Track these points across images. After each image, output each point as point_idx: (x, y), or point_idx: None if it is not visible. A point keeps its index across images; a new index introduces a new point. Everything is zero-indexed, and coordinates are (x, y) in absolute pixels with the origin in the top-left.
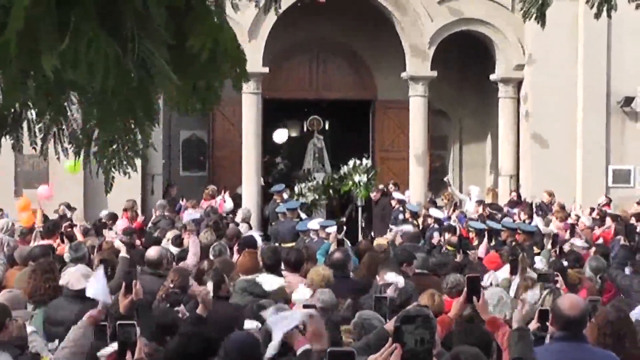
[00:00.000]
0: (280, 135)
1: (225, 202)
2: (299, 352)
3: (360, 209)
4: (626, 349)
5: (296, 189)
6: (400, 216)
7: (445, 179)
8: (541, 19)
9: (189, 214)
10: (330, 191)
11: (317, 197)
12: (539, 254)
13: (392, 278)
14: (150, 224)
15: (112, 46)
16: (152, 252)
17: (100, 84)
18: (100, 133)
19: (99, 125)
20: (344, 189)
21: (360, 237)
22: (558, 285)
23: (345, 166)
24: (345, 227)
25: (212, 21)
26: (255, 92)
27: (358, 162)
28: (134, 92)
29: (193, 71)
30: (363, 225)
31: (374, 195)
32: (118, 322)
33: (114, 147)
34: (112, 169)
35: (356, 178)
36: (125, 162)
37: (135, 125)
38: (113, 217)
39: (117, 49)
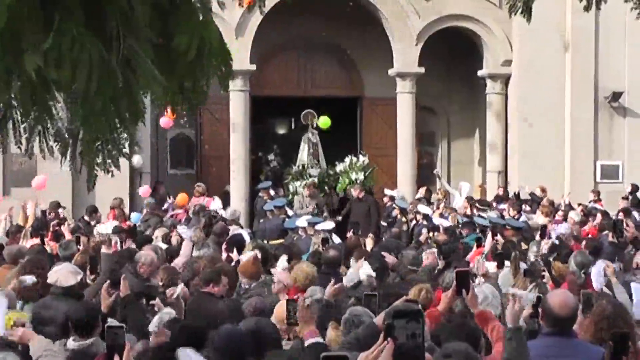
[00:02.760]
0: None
1: (213, 200)
2: (307, 343)
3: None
4: None
5: (291, 187)
6: (394, 212)
7: (435, 172)
8: (527, 13)
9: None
10: (326, 188)
11: None
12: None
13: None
14: (139, 222)
15: (97, 45)
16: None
17: (84, 84)
18: (84, 132)
19: (83, 124)
20: (340, 187)
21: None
22: (545, 280)
23: (341, 163)
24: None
25: (198, 19)
26: (243, 90)
27: (354, 159)
28: (119, 91)
29: (179, 70)
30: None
31: (356, 192)
32: (107, 325)
33: (98, 145)
34: (96, 167)
35: (352, 176)
36: (109, 161)
37: (120, 124)
38: (94, 210)
39: (102, 48)
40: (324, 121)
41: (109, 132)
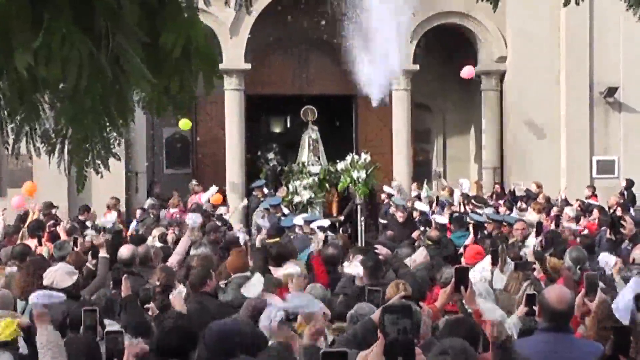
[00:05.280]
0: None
1: (204, 193)
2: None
3: (359, 208)
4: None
5: (290, 186)
6: (391, 209)
7: (436, 171)
8: (494, 0)
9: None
10: (327, 185)
11: (313, 195)
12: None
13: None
14: (136, 222)
15: (86, 43)
16: (124, 251)
17: (73, 82)
18: (73, 131)
19: (72, 123)
20: (342, 186)
21: (361, 238)
22: (535, 273)
23: (342, 161)
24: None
25: (184, 18)
26: (238, 89)
27: (356, 157)
28: (108, 89)
29: (166, 70)
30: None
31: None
32: (106, 330)
33: (87, 145)
34: (85, 168)
35: (354, 174)
36: (98, 161)
37: (109, 123)
38: (87, 209)
39: (91, 46)
40: (184, 123)
41: (98, 131)
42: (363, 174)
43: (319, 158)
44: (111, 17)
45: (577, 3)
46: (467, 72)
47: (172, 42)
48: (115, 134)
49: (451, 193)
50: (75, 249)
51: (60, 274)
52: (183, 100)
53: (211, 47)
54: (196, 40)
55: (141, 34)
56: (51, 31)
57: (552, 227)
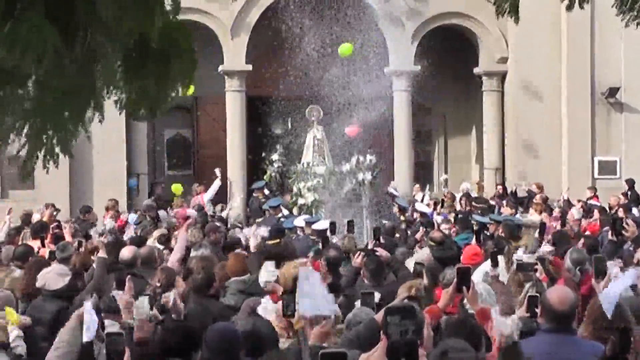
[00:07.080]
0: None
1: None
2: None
3: (364, 210)
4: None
5: (294, 188)
6: (394, 209)
7: (442, 179)
8: (514, 13)
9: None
10: (332, 187)
11: (317, 197)
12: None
13: None
14: (133, 225)
15: (54, 34)
16: (125, 252)
17: (29, 67)
18: (34, 120)
19: (35, 117)
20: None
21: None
22: (537, 274)
23: (347, 163)
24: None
25: (144, 11)
26: (239, 90)
27: (361, 158)
28: (74, 84)
29: (144, 72)
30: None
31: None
32: (106, 331)
33: (44, 137)
34: (35, 160)
35: (360, 176)
36: (48, 156)
37: (71, 119)
38: (88, 210)
39: (58, 39)
40: (176, 188)
41: (58, 124)
42: (368, 176)
43: (324, 158)
44: (91, 15)
45: (581, 7)
46: (350, 129)
47: (129, 30)
48: (80, 129)
49: (452, 199)
50: (80, 249)
51: (51, 276)
52: (159, 103)
53: (190, 47)
54: (152, 31)
55: (120, 32)
56: (21, 20)
57: (559, 227)
